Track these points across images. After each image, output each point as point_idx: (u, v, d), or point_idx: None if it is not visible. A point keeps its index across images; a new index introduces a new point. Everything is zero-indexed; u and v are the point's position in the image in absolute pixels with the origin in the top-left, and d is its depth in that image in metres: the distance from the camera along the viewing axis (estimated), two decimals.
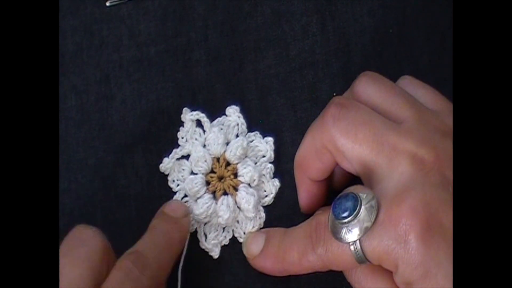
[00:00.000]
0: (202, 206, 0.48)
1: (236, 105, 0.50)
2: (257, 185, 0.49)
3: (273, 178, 0.49)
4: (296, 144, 0.48)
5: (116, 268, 0.41)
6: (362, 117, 0.43)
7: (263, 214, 0.49)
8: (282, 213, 0.49)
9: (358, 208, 0.41)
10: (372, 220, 0.41)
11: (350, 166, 0.44)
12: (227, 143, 0.49)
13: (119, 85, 0.51)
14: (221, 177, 0.49)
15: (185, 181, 0.48)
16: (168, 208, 0.47)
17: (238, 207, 0.48)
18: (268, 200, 0.49)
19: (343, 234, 0.41)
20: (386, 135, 0.42)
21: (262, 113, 0.50)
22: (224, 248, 0.48)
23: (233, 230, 0.48)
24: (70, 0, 0.52)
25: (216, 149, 0.49)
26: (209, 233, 0.48)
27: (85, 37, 0.52)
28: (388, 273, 0.42)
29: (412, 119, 0.43)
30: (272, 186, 0.49)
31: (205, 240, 0.48)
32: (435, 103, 0.45)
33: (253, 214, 0.48)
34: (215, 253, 0.48)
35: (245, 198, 0.48)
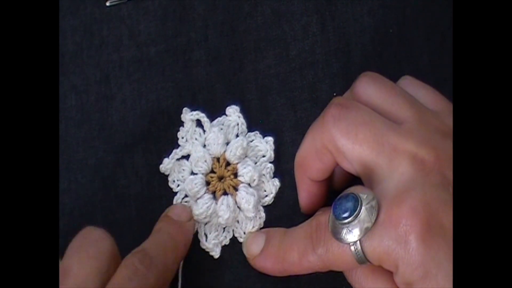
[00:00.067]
0: (202, 206, 0.48)
1: (236, 105, 0.50)
2: (257, 185, 0.49)
3: (273, 178, 0.49)
4: (296, 144, 0.48)
5: (123, 266, 0.42)
6: (363, 117, 0.43)
7: (263, 214, 0.49)
8: (282, 213, 0.49)
9: (358, 208, 0.41)
10: (373, 221, 0.41)
11: (351, 167, 0.44)
12: (227, 143, 0.49)
13: (119, 85, 0.51)
14: (221, 177, 0.49)
15: (185, 181, 0.48)
16: (172, 212, 0.47)
17: (238, 207, 0.48)
18: (268, 200, 0.49)
19: (343, 234, 0.41)
20: (386, 136, 0.42)
21: (262, 113, 0.50)
22: (224, 248, 0.48)
23: (233, 230, 0.48)
24: (70, 0, 0.52)
25: (216, 149, 0.49)
26: (210, 233, 0.48)
27: (85, 37, 0.52)
28: (388, 274, 0.42)
29: (412, 120, 0.43)
30: (272, 186, 0.49)
31: (206, 240, 0.48)
32: (436, 104, 0.45)
33: (253, 214, 0.48)
34: (216, 253, 0.48)
35: (245, 198, 0.48)
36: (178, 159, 0.49)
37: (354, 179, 0.46)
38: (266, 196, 0.49)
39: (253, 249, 0.47)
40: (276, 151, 0.49)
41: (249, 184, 0.48)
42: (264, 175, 0.49)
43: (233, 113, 0.50)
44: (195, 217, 0.48)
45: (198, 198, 0.48)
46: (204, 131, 0.50)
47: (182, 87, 0.51)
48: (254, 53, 0.51)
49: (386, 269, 0.42)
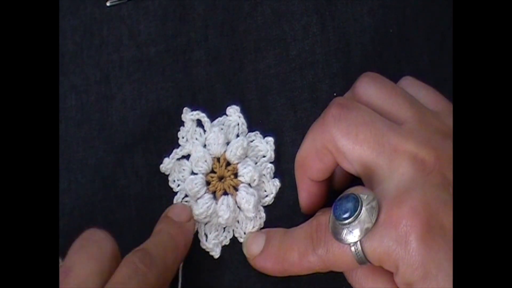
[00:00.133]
0: (202, 206, 0.48)
1: (236, 105, 0.50)
2: (257, 185, 0.49)
3: (274, 178, 0.49)
4: (296, 144, 0.48)
5: (123, 264, 0.42)
6: (363, 118, 0.43)
7: (263, 214, 0.49)
8: (283, 213, 0.49)
9: (358, 209, 0.41)
10: (373, 221, 0.41)
11: (351, 167, 0.44)
12: (228, 143, 0.49)
13: (119, 85, 0.51)
14: (221, 177, 0.49)
15: (185, 181, 0.48)
16: (172, 212, 0.47)
17: (238, 207, 0.48)
18: (269, 200, 0.49)
19: (343, 235, 0.41)
20: (387, 136, 0.42)
21: (262, 113, 0.50)
22: (224, 248, 0.48)
23: (233, 230, 0.48)
24: (70, 0, 0.52)
25: (216, 149, 0.49)
26: (210, 233, 0.48)
27: (85, 37, 0.52)
28: (388, 274, 0.42)
29: (413, 120, 0.43)
30: (272, 186, 0.49)
31: (206, 240, 0.48)
32: (436, 104, 0.45)
33: (253, 214, 0.48)
34: (216, 253, 0.48)
35: (245, 198, 0.48)
36: (178, 159, 0.49)
37: (354, 180, 0.46)
38: (266, 196, 0.49)
39: (253, 249, 0.47)
40: (276, 151, 0.49)
41: (249, 184, 0.48)
42: (264, 175, 0.49)
43: (234, 113, 0.50)
44: (195, 217, 0.48)
45: (198, 198, 0.48)
46: (204, 131, 0.50)
47: (182, 87, 0.51)
48: (254, 53, 0.51)
49: (387, 270, 0.42)
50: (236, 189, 0.48)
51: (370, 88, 0.44)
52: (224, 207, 0.48)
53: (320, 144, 0.44)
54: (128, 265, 0.42)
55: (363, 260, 0.41)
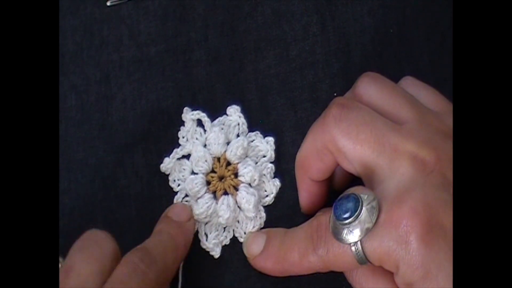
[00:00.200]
0: (202, 206, 0.48)
1: (237, 105, 0.50)
2: (258, 185, 0.49)
3: (274, 178, 0.49)
4: (296, 144, 0.48)
5: (122, 263, 0.42)
6: (364, 118, 0.43)
7: (263, 214, 0.49)
8: (283, 213, 0.49)
9: (359, 209, 0.41)
10: (373, 221, 0.41)
11: (351, 167, 0.44)
12: (228, 143, 0.49)
13: (119, 85, 0.51)
14: (222, 177, 0.49)
15: (185, 181, 0.48)
16: (172, 212, 0.47)
17: (238, 207, 0.48)
18: (269, 200, 0.49)
19: (344, 235, 0.41)
20: (387, 136, 0.42)
21: (262, 113, 0.50)
22: (224, 247, 0.48)
23: (233, 230, 0.48)
24: (70, 0, 0.52)
25: (216, 148, 0.49)
26: (210, 233, 0.48)
27: (85, 37, 0.52)
28: (389, 274, 0.42)
29: (413, 120, 0.43)
30: (272, 186, 0.49)
31: (206, 240, 0.48)
32: (437, 104, 0.45)
33: (253, 214, 0.48)
34: (216, 253, 0.48)
35: (246, 198, 0.48)
36: (178, 159, 0.49)
37: (354, 180, 0.46)
38: (267, 196, 0.49)
39: (253, 249, 0.47)
40: (277, 151, 0.49)
41: (249, 184, 0.48)
42: (264, 175, 0.49)
43: (234, 113, 0.50)
44: (196, 217, 0.48)
45: (198, 198, 0.48)
46: (204, 130, 0.50)
47: (182, 87, 0.51)
48: (254, 53, 0.51)
49: (387, 270, 0.42)
50: (236, 189, 0.48)
51: (370, 88, 0.44)
52: (224, 207, 0.48)
53: (320, 144, 0.44)
54: (128, 264, 0.42)
55: (363, 260, 0.41)
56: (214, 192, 0.49)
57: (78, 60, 0.51)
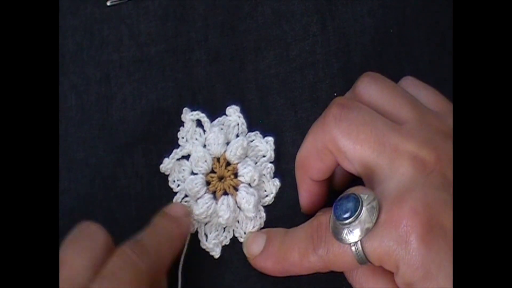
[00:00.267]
0: (202, 206, 0.48)
1: (236, 105, 0.50)
2: (258, 185, 0.49)
3: (274, 178, 0.49)
4: (296, 144, 0.48)
5: (115, 255, 0.42)
6: (364, 118, 0.43)
7: (263, 214, 0.49)
8: (283, 213, 0.49)
9: (359, 209, 0.41)
10: (373, 221, 0.41)
11: (351, 167, 0.44)
12: (227, 143, 0.49)
13: (119, 85, 0.51)
14: (222, 177, 0.49)
15: (185, 181, 0.48)
16: (169, 208, 0.47)
17: (238, 207, 0.48)
18: (269, 200, 0.49)
19: (344, 235, 0.41)
20: (387, 136, 0.42)
21: (262, 113, 0.50)
22: (224, 248, 0.48)
23: (233, 230, 0.48)
24: (70, 0, 0.52)
25: (216, 149, 0.49)
26: (210, 233, 0.48)
27: (85, 37, 0.52)
28: (389, 274, 0.42)
29: (413, 120, 0.43)
30: (272, 186, 0.49)
31: (206, 240, 0.48)
32: (437, 104, 0.45)
33: (253, 214, 0.48)
34: (216, 253, 0.48)
35: (246, 198, 0.48)
36: (178, 159, 0.49)
37: (354, 180, 0.46)
38: (267, 196, 0.49)
39: (253, 249, 0.47)
40: (277, 151, 0.49)
41: (249, 184, 0.48)
42: (264, 175, 0.49)
43: (233, 113, 0.50)
44: (196, 217, 0.48)
45: (198, 198, 0.48)
46: (204, 131, 0.50)
47: (182, 87, 0.51)
48: (254, 53, 0.51)
49: (387, 270, 0.42)
50: (236, 189, 0.48)
51: (371, 88, 0.44)
52: (224, 207, 0.48)
53: (320, 144, 0.44)
54: (120, 255, 0.42)
55: (363, 260, 0.41)
56: (214, 193, 0.49)
57: (78, 60, 0.51)
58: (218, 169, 0.49)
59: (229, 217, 0.47)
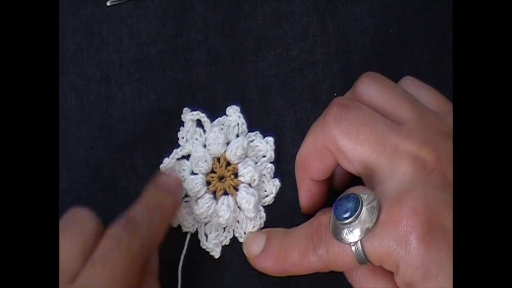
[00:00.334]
0: (202, 206, 0.48)
1: (236, 105, 0.50)
2: (258, 185, 0.49)
3: (274, 178, 0.49)
4: (296, 144, 0.48)
5: (106, 235, 0.42)
6: (364, 118, 0.43)
7: (263, 214, 0.49)
8: (283, 213, 0.49)
9: (359, 209, 0.41)
10: (373, 221, 0.41)
11: (351, 167, 0.44)
12: (228, 143, 0.49)
13: (119, 85, 0.51)
14: (222, 177, 0.49)
15: (185, 181, 0.48)
16: (161, 179, 0.46)
17: (238, 207, 0.48)
18: (269, 200, 0.49)
19: (344, 234, 0.41)
20: (387, 136, 0.42)
21: (262, 113, 0.50)
22: (224, 248, 0.48)
23: (233, 230, 0.48)
24: (70, 0, 0.52)
25: (216, 149, 0.49)
26: (210, 233, 0.48)
27: (85, 37, 0.52)
28: (389, 274, 0.42)
29: (413, 120, 0.43)
30: (272, 186, 0.49)
31: (206, 240, 0.48)
32: (437, 104, 0.45)
33: (253, 214, 0.48)
34: (216, 253, 0.48)
35: (246, 198, 0.48)
36: (178, 159, 0.49)
37: (354, 180, 0.46)
38: (267, 196, 0.49)
39: (253, 249, 0.47)
40: (277, 151, 0.49)
41: (249, 184, 0.48)
42: (264, 175, 0.49)
43: (234, 113, 0.50)
44: (196, 217, 0.48)
45: (198, 198, 0.48)
46: (204, 131, 0.50)
47: (182, 87, 0.51)
48: (254, 53, 0.51)
49: (387, 270, 0.42)
50: (236, 189, 0.48)
51: (371, 88, 0.44)
52: (224, 207, 0.48)
53: (320, 144, 0.44)
54: (111, 235, 0.42)
55: (363, 260, 0.41)
56: (214, 192, 0.49)
57: (78, 60, 0.51)
58: (218, 169, 0.49)
59: (229, 217, 0.47)
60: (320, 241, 0.43)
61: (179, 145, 0.50)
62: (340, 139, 0.43)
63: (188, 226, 0.48)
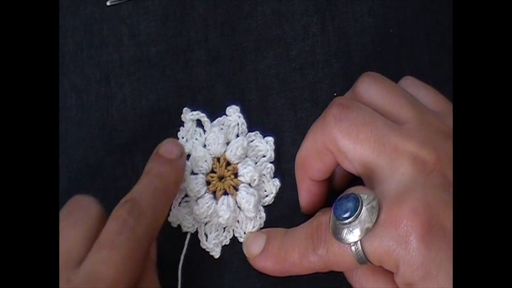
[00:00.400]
0: (202, 206, 0.48)
1: (236, 105, 0.50)
2: (258, 185, 0.49)
3: (274, 178, 0.49)
4: (296, 144, 0.48)
5: (111, 218, 0.42)
6: (364, 117, 0.43)
7: (263, 214, 0.49)
8: (283, 213, 0.49)
9: (359, 209, 0.41)
10: (373, 221, 0.41)
11: (351, 167, 0.44)
12: (228, 143, 0.49)
13: (119, 84, 0.51)
14: (222, 177, 0.49)
15: (185, 181, 0.48)
16: (163, 149, 0.46)
17: (238, 207, 0.48)
18: (269, 200, 0.49)
19: (344, 234, 0.41)
20: (387, 136, 0.42)
21: (262, 113, 0.50)
22: (224, 247, 0.48)
23: (233, 230, 0.48)
24: (70, 0, 0.52)
25: (216, 149, 0.49)
26: (210, 233, 0.48)
27: (85, 37, 0.52)
28: (389, 274, 0.42)
29: (413, 120, 0.43)
30: (272, 186, 0.49)
31: (206, 240, 0.48)
32: (437, 104, 0.45)
33: (253, 214, 0.48)
34: (216, 253, 0.48)
35: (246, 198, 0.48)
36: None
37: (354, 180, 0.46)
38: (267, 196, 0.49)
39: (253, 249, 0.47)
40: (277, 151, 0.49)
41: (249, 184, 0.48)
42: (264, 175, 0.49)
43: (233, 113, 0.50)
44: (196, 217, 0.48)
45: (198, 198, 0.48)
46: (204, 131, 0.50)
47: (182, 87, 0.51)
48: (254, 53, 0.51)
49: (387, 270, 0.42)
50: (236, 189, 0.48)
51: (370, 87, 0.44)
52: (224, 207, 0.48)
53: (320, 144, 0.44)
54: (116, 218, 0.42)
55: (363, 260, 0.41)
56: (214, 192, 0.49)
57: (78, 60, 0.51)
58: (218, 169, 0.49)
59: (229, 217, 0.47)
60: (320, 241, 0.43)
61: None
62: (340, 139, 0.43)
63: (188, 226, 0.48)
